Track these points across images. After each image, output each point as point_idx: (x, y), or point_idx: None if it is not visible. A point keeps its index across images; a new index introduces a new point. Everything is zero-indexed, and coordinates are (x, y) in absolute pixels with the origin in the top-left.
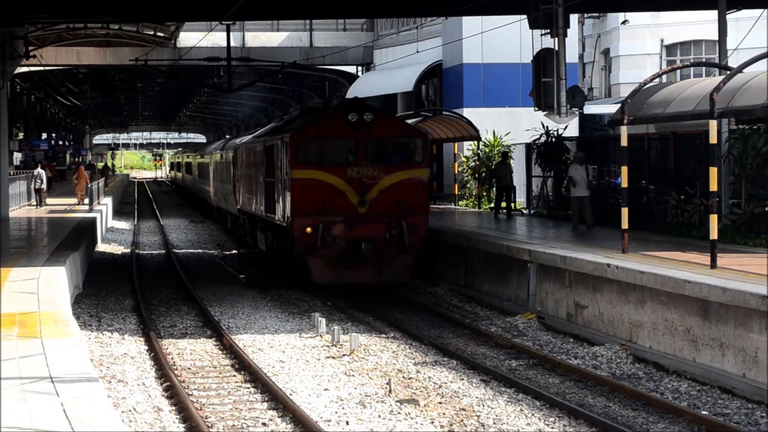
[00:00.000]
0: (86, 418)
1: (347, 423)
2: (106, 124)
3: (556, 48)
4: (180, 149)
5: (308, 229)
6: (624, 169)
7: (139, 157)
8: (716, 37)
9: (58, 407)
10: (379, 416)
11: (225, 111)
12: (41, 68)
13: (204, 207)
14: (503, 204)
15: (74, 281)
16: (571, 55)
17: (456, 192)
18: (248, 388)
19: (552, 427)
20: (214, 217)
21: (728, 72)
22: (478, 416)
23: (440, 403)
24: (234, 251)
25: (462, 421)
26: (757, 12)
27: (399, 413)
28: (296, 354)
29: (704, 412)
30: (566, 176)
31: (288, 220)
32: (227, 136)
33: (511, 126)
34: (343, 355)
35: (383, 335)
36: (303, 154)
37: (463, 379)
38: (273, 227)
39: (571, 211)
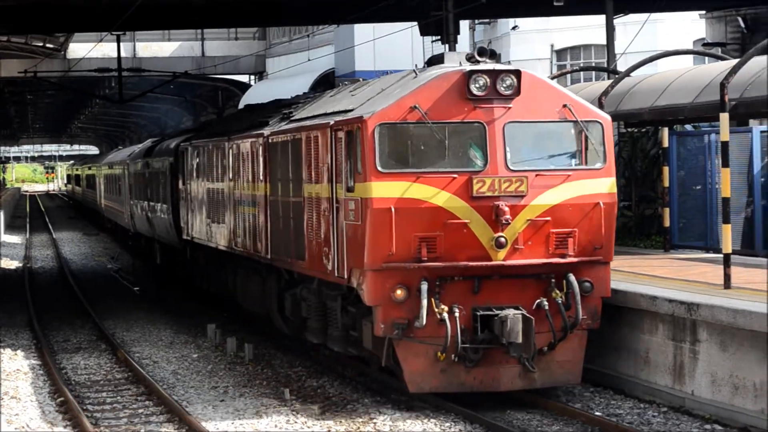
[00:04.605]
0: None
1: None
2: None
3: None
4: (73, 161)
5: (398, 293)
6: None
7: (31, 170)
8: (605, 42)
9: None
10: (276, 426)
11: (118, 122)
12: None
13: (98, 219)
14: None
15: None
16: None
17: None
18: (144, 401)
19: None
20: (130, 245)
21: (617, 76)
22: (375, 422)
23: (337, 411)
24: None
25: (359, 428)
26: (643, 16)
27: (296, 422)
28: (192, 365)
29: (597, 413)
30: None
31: (352, 274)
32: (119, 147)
33: None
34: (239, 365)
35: (278, 344)
36: (387, 154)
37: (359, 386)
38: (287, 279)
39: None
